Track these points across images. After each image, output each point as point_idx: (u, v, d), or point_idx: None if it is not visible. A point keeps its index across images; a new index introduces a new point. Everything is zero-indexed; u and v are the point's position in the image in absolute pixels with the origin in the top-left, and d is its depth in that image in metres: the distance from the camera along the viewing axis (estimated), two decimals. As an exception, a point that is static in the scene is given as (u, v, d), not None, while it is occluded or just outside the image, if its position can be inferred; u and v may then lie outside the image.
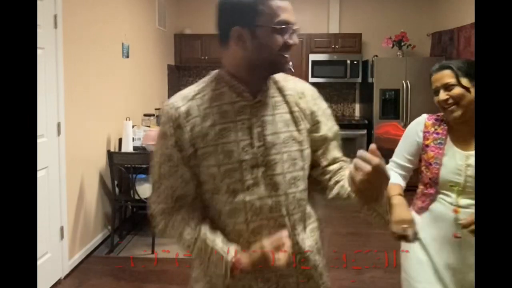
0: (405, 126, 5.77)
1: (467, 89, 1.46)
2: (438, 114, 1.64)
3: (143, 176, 3.41)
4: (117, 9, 3.92)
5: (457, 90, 1.47)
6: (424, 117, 1.68)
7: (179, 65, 6.03)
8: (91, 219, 3.40)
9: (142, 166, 3.36)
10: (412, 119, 6.17)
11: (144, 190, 3.39)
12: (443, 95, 1.50)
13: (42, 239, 2.68)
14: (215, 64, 5.16)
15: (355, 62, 5.63)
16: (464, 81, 1.47)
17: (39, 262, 2.66)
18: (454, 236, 1.50)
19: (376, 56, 5.49)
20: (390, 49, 5.67)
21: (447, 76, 1.51)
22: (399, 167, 1.71)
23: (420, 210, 1.63)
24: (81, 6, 3.19)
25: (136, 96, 4.42)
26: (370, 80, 5.44)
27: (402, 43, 5.53)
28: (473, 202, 1.46)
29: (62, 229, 2.94)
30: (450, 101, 1.49)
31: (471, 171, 1.47)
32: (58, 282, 2.89)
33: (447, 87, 1.50)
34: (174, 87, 5.98)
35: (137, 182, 3.37)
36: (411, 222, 1.44)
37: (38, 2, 2.59)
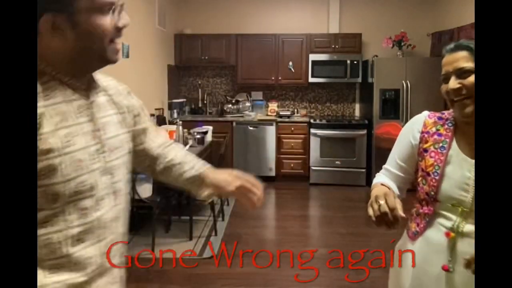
0: (405, 126, 5.75)
1: None
2: (443, 111, 1.32)
3: (143, 176, 3.40)
4: (117, 9, 3.91)
5: (473, 78, 1.10)
6: (424, 114, 1.33)
7: (179, 65, 6.03)
8: (91, 219, 3.40)
9: (142, 166, 3.36)
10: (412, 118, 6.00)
11: (144, 190, 3.39)
12: (454, 83, 1.14)
13: (42, 239, 2.68)
14: (215, 64, 5.21)
15: (355, 62, 5.63)
16: None
17: (39, 262, 2.66)
18: (442, 268, 1.16)
19: (376, 56, 5.49)
20: (390, 49, 5.66)
21: (463, 59, 1.13)
22: (389, 176, 1.37)
23: (414, 236, 1.27)
24: (81, 6, 3.19)
25: (136, 96, 4.41)
26: (370, 80, 5.44)
27: (402, 43, 5.53)
28: None
29: (62, 229, 2.93)
30: (463, 91, 1.12)
31: None
32: (58, 282, 2.88)
33: (461, 73, 1.13)
34: (174, 87, 5.98)
35: (137, 182, 3.37)
36: (387, 197, 1.09)
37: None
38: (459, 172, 1.17)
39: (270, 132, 5.62)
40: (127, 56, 4.12)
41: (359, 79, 5.67)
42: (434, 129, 1.26)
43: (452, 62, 1.16)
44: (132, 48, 4.27)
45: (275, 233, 3.90)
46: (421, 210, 1.25)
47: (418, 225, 1.26)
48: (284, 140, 5.65)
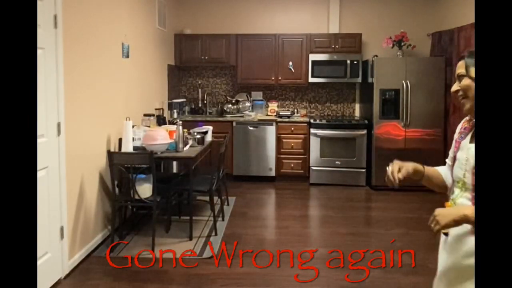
0: (405, 126, 5.81)
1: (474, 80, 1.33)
2: None
3: (143, 176, 3.41)
4: (117, 9, 3.92)
5: (464, 81, 1.36)
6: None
7: (179, 65, 6.03)
8: (91, 219, 3.40)
9: (142, 166, 3.36)
10: (412, 119, 6.18)
11: (144, 190, 3.39)
12: (454, 86, 1.41)
13: (42, 239, 2.68)
14: (215, 64, 5.25)
15: (355, 62, 5.63)
16: (472, 72, 1.33)
17: (39, 262, 2.66)
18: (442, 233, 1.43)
19: (376, 56, 5.49)
20: (390, 49, 5.67)
21: (460, 67, 1.40)
22: (446, 166, 1.61)
23: None
24: (81, 6, 3.19)
25: (136, 96, 4.42)
26: (370, 80, 5.44)
27: (402, 43, 5.53)
28: (468, 202, 1.36)
29: (62, 229, 2.94)
30: (460, 92, 1.39)
31: (470, 165, 1.37)
32: (58, 282, 2.88)
33: (459, 77, 1.40)
34: (174, 87, 5.98)
35: (137, 182, 3.37)
36: (395, 165, 1.49)
37: (38, 2, 2.59)
38: (461, 155, 1.44)
39: (270, 132, 5.62)
40: (127, 56, 4.12)
41: (359, 79, 5.67)
42: (466, 125, 1.50)
43: (457, 69, 1.42)
44: (132, 48, 4.27)
45: (275, 233, 3.90)
46: None
47: None
48: (284, 140, 5.65)
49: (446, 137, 5.25)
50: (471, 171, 1.36)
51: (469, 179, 1.37)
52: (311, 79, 5.73)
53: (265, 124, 5.62)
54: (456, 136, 1.52)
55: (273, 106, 5.99)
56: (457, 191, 1.42)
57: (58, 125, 2.87)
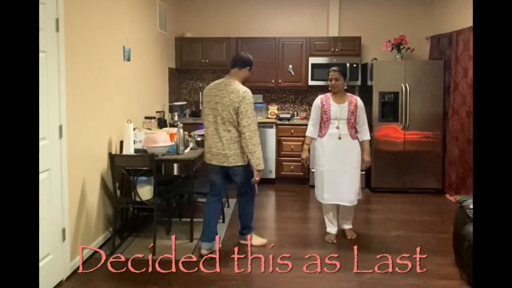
0: (404, 128, 5.80)
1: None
2: (327, 94, 3.80)
3: (144, 178, 3.42)
4: (119, 13, 3.95)
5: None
6: (320, 96, 3.79)
7: (180, 68, 6.05)
8: (92, 221, 3.42)
9: (143, 168, 3.37)
10: (411, 121, 6.19)
11: (145, 192, 3.40)
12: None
13: (44, 241, 2.70)
14: (216, 67, 5.39)
15: (354, 65, 5.65)
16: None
17: (41, 264, 2.67)
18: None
19: (376, 59, 5.52)
20: (389, 52, 5.70)
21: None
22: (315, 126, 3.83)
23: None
24: (83, 10, 3.22)
25: (137, 99, 4.44)
26: (369, 83, 5.47)
27: (401, 46, 5.56)
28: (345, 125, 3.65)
29: (64, 231, 2.95)
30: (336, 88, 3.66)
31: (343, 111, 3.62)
32: (60, 283, 2.89)
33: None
34: (175, 90, 6.00)
35: (138, 184, 3.38)
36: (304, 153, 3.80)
37: (40, 6, 2.61)
38: (337, 109, 3.61)
39: (270, 135, 5.64)
40: (129, 59, 4.15)
41: (359, 82, 5.70)
42: (324, 99, 3.69)
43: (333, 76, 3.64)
44: (134, 51, 4.29)
45: (275, 235, 3.91)
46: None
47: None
48: (284, 143, 5.67)
49: (445, 140, 5.27)
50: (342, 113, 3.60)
51: (344, 116, 3.60)
52: (310, 82, 5.75)
53: (265, 127, 5.64)
54: (318, 107, 3.69)
55: (273, 108, 6.01)
56: (336, 122, 3.60)
57: (60, 127, 2.89)
